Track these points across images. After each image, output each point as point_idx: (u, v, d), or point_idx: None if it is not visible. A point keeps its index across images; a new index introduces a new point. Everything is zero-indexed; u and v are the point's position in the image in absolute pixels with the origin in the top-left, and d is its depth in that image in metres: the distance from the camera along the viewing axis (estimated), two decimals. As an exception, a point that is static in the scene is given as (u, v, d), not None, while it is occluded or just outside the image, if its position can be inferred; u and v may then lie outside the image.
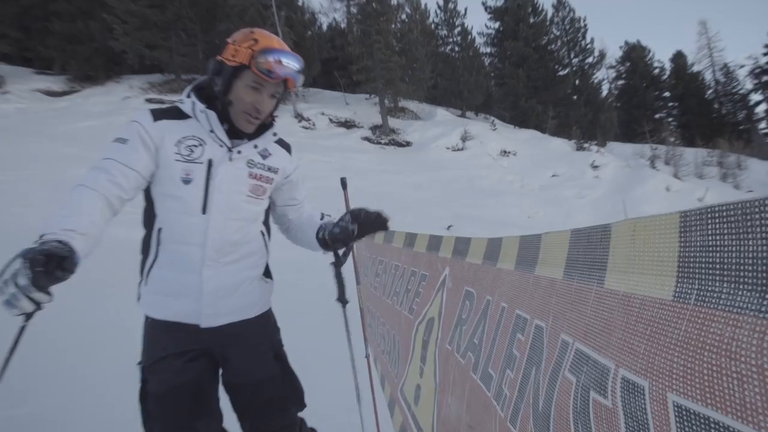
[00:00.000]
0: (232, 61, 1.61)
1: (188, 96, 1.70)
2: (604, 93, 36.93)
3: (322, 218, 1.98)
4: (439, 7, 33.12)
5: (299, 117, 23.99)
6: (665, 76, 42.74)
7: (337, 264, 1.95)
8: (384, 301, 1.86)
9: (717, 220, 0.37)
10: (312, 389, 2.00)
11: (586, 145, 24.34)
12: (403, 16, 28.22)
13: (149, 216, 1.70)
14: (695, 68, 42.34)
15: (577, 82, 33.03)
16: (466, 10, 32.93)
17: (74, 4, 26.21)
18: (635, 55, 41.46)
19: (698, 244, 0.39)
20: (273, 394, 1.79)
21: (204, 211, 1.63)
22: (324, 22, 35.73)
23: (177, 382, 1.66)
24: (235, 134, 1.71)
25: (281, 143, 1.89)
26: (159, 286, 1.68)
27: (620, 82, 43.25)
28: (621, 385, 0.44)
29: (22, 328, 1.25)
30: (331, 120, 24.77)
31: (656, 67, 42.56)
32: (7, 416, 2.87)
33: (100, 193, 1.49)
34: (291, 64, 1.61)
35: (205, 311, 1.67)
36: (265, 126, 1.78)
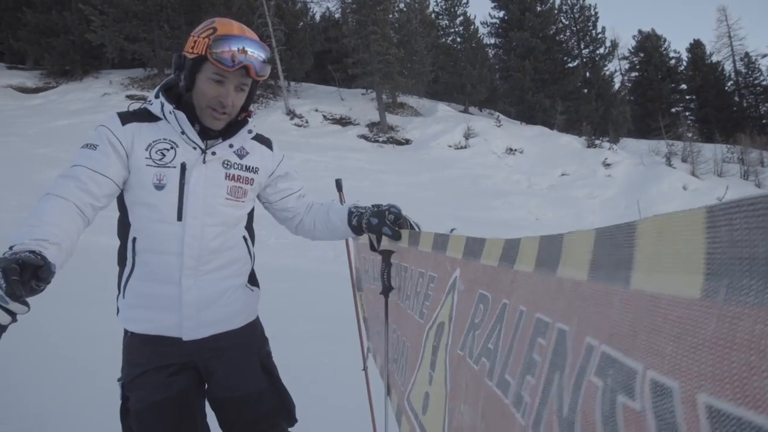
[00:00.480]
0: (191, 53, 1.62)
1: (157, 96, 1.71)
2: (617, 86, 37.12)
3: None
4: (440, -4, 33.26)
5: (291, 114, 24.04)
6: (682, 68, 42.90)
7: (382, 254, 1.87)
8: (398, 305, 1.87)
9: (744, 214, 0.38)
10: (309, 400, 2.01)
11: (597, 141, 24.41)
12: (401, 5, 28.31)
13: (123, 226, 1.71)
14: (714, 58, 42.50)
15: (587, 74, 33.14)
16: (468, -2, 33.05)
17: (48, -6, 26.20)
18: (650, 45, 41.60)
19: (725, 239, 0.40)
20: (261, 409, 1.80)
21: (179, 217, 1.64)
22: (317, 12, 35.92)
23: (159, 398, 1.67)
24: (209, 134, 1.71)
25: (261, 140, 1.90)
26: (137, 298, 1.69)
27: (634, 74, 43.44)
28: (650, 387, 0.46)
29: None
30: (325, 117, 24.81)
31: (672, 58, 42.71)
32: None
33: (69, 201, 1.48)
34: (250, 50, 1.60)
35: (186, 323, 1.68)
36: (240, 123, 1.79)
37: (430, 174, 19.04)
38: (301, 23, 30.34)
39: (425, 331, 1.24)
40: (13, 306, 1.12)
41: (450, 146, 22.69)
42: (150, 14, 24.76)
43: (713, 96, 40.36)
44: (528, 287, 0.75)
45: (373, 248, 1.89)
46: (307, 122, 23.87)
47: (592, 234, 0.61)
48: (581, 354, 0.58)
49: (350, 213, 1.91)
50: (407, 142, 23.57)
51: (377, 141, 23.40)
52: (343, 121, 24.86)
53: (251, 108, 1.85)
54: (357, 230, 1.91)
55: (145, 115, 1.70)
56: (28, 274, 1.18)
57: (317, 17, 35.69)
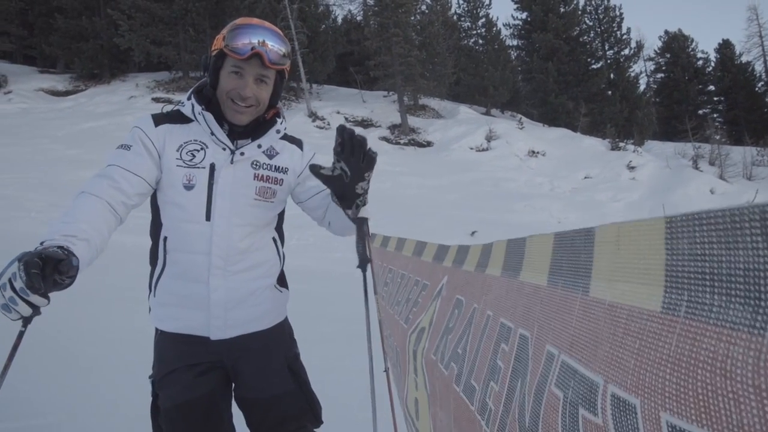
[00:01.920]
0: (214, 51, 1.66)
1: (189, 98, 1.74)
2: (642, 87, 36.46)
3: None
4: (462, -3, 33.13)
5: (313, 116, 24.19)
6: (710, 68, 41.98)
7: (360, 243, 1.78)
8: (388, 311, 1.86)
9: (705, 228, 0.37)
10: (329, 402, 2.02)
11: (621, 144, 24.02)
12: (423, 7, 28.31)
13: (155, 225, 1.74)
14: (744, 58, 41.43)
15: (611, 76, 32.65)
16: None
17: (78, 0, 26.89)
18: (676, 45, 40.81)
19: (686, 252, 0.39)
20: (287, 411, 1.79)
21: (208, 217, 1.66)
22: (339, 14, 36.13)
23: (187, 398, 1.69)
24: (239, 135, 1.73)
25: (291, 140, 1.89)
26: (167, 297, 1.72)
27: (660, 75, 42.65)
28: (611, 402, 0.44)
29: (21, 334, 1.28)
30: (346, 119, 24.91)
31: (700, 59, 41.82)
32: (13, 428, 2.95)
33: (102, 199, 1.53)
34: (262, 39, 1.61)
35: (213, 323, 1.69)
36: (269, 123, 1.79)
37: (452, 176, 18.97)
38: (323, 26, 30.53)
39: (407, 336, 1.24)
40: (33, 298, 1.16)
41: (472, 148, 22.57)
42: (175, 18, 25.20)
43: (743, 97, 39.38)
44: (495, 292, 0.74)
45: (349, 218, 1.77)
46: (329, 124, 23.99)
47: (552, 238, 0.60)
48: (542, 362, 0.57)
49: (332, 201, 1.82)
50: (429, 144, 23.52)
51: (399, 143, 23.40)
52: (365, 123, 24.92)
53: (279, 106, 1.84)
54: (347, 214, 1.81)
55: (178, 117, 1.74)
56: (50, 268, 1.21)
57: (339, 20, 35.90)
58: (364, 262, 1.70)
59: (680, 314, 0.39)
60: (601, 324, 0.48)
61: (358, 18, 33.55)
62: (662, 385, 0.40)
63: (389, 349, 2.59)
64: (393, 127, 24.61)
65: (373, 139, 23.12)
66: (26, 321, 1.23)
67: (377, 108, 26.30)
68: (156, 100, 24.52)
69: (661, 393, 0.40)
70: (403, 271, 1.62)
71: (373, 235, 3.39)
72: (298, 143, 1.90)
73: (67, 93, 25.86)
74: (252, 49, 1.58)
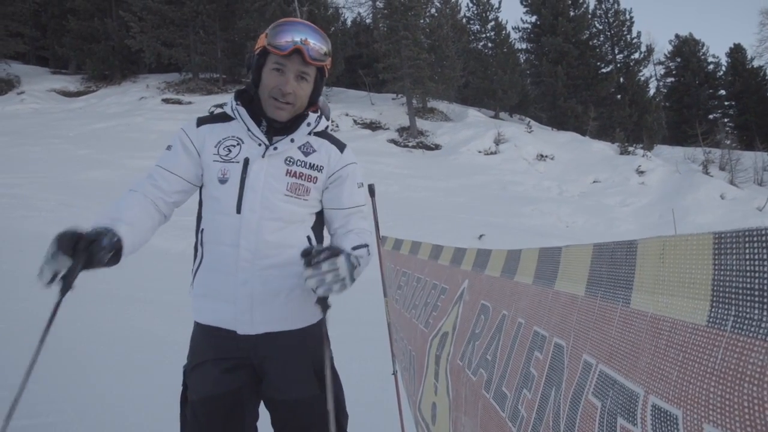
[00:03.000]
0: (257, 50, 1.72)
1: (236, 99, 1.80)
2: (652, 92, 36.23)
3: (358, 246, 1.78)
4: (471, 1, 33.10)
5: (321, 118, 24.25)
6: (721, 73, 41.66)
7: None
8: (403, 315, 1.86)
9: (754, 244, 0.37)
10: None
11: (630, 148, 23.90)
12: (433, 11, 28.28)
13: (198, 220, 1.81)
14: (755, 63, 40.97)
15: (621, 80, 32.49)
16: (500, 3, 32.86)
17: (91, 2, 27.17)
18: (687, 49, 40.56)
19: (734, 267, 0.39)
20: (310, 416, 1.78)
21: (238, 210, 1.70)
22: (348, 17, 36.15)
23: (213, 393, 1.72)
24: (277, 131, 1.76)
25: (333, 140, 1.88)
26: (202, 288, 1.76)
27: (670, 79, 42.38)
28: (651, 412, 0.45)
29: (58, 304, 1.35)
30: (355, 121, 24.95)
31: (710, 63, 41.53)
32: (27, 425, 2.98)
33: (142, 194, 1.68)
34: (304, 36, 1.65)
35: (240, 317, 1.70)
36: (301, 118, 1.78)
37: (460, 180, 18.95)
38: (333, 28, 30.57)
39: (428, 341, 1.24)
40: (55, 264, 1.30)
41: (480, 152, 22.53)
42: (186, 20, 25.38)
43: (754, 102, 39.03)
44: (527, 299, 0.75)
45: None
46: (337, 126, 24.04)
47: (590, 249, 0.60)
48: (578, 371, 0.57)
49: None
50: (437, 147, 23.50)
51: (407, 146, 23.40)
52: (373, 126, 24.93)
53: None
54: None
55: (221, 117, 1.82)
56: (84, 243, 1.34)
57: (348, 22, 35.99)
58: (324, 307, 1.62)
59: (727, 328, 0.40)
60: (643, 336, 0.48)
61: (368, 21, 33.62)
62: (706, 397, 0.41)
63: (399, 352, 2.60)
64: (401, 130, 24.61)
65: (381, 141, 23.16)
66: (62, 290, 1.32)
67: (386, 110, 26.32)
68: (166, 101, 24.69)
69: (704, 405, 0.40)
70: (419, 275, 1.62)
71: (384, 238, 3.40)
72: (339, 144, 1.88)
73: (78, 94, 26.08)
74: (293, 45, 1.63)
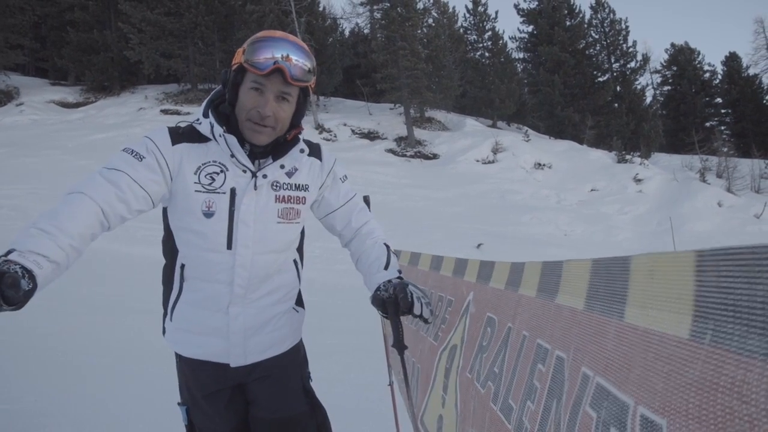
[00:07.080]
0: (233, 65, 1.56)
1: (206, 115, 1.61)
2: (648, 100, 36.51)
3: (388, 259, 1.78)
4: (468, 11, 33.32)
5: (320, 128, 24.33)
6: (717, 81, 41.88)
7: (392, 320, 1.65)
8: (408, 327, 1.88)
9: (731, 262, 0.40)
10: (334, 414, 2.04)
11: (628, 156, 23.96)
12: (430, 21, 28.47)
13: (170, 248, 1.69)
14: (751, 71, 41.24)
15: (618, 88, 32.65)
16: (497, 13, 33.05)
17: (90, 14, 27.31)
18: (683, 58, 40.80)
19: (713, 284, 0.42)
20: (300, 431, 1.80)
21: (229, 246, 1.58)
22: (346, 28, 36.37)
23: (225, 430, 1.75)
24: (259, 154, 1.61)
25: (311, 152, 1.76)
26: (185, 323, 1.69)
27: (666, 88, 42.57)
28: (640, 422, 0.48)
29: None
30: (353, 131, 25.03)
31: (706, 71, 41.74)
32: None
33: (99, 207, 1.40)
34: (285, 53, 1.49)
35: (233, 351, 1.67)
36: (291, 143, 1.66)
37: (458, 189, 18.98)
38: (331, 39, 30.78)
39: (438, 354, 1.26)
40: None
41: (478, 161, 22.59)
42: (185, 32, 25.54)
43: (750, 110, 39.24)
44: (530, 312, 0.77)
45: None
46: (335, 136, 24.11)
47: (589, 264, 0.63)
48: (577, 383, 0.60)
49: (377, 287, 1.71)
50: (435, 156, 23.56)
51: (405, 155, 23.46)
52: (371, 136, 25.00)
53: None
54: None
55: (195, 136, 1.61)
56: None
57: (346, 33, 36.22)
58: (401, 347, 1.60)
59: (705, 342, 0.43)
60: (635, 348, 0.52)
61: (366, 31, 33.80)
62: (686, 407, 0.43)
63: (396, 364, 2.61)
64: (399, 140, 24.69)
65: (379, 151, 23.22)
66: None
67: (384, 120, 26.41)
68: (165, 111, 24.76)
69: (685, 415, 0.43)
70: (422, 287, 1.64)
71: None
72: (316, 152, 1.79)
73: (77, 105, 26.16)
74: (274, 63, 1.47)
